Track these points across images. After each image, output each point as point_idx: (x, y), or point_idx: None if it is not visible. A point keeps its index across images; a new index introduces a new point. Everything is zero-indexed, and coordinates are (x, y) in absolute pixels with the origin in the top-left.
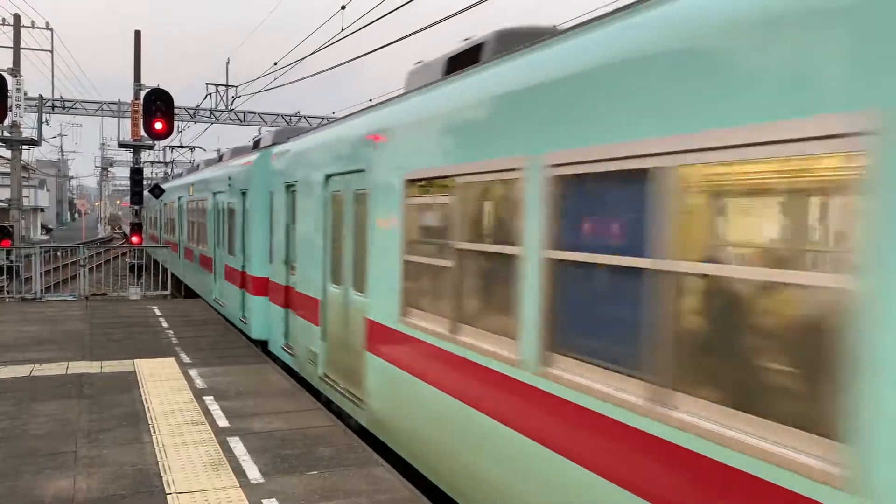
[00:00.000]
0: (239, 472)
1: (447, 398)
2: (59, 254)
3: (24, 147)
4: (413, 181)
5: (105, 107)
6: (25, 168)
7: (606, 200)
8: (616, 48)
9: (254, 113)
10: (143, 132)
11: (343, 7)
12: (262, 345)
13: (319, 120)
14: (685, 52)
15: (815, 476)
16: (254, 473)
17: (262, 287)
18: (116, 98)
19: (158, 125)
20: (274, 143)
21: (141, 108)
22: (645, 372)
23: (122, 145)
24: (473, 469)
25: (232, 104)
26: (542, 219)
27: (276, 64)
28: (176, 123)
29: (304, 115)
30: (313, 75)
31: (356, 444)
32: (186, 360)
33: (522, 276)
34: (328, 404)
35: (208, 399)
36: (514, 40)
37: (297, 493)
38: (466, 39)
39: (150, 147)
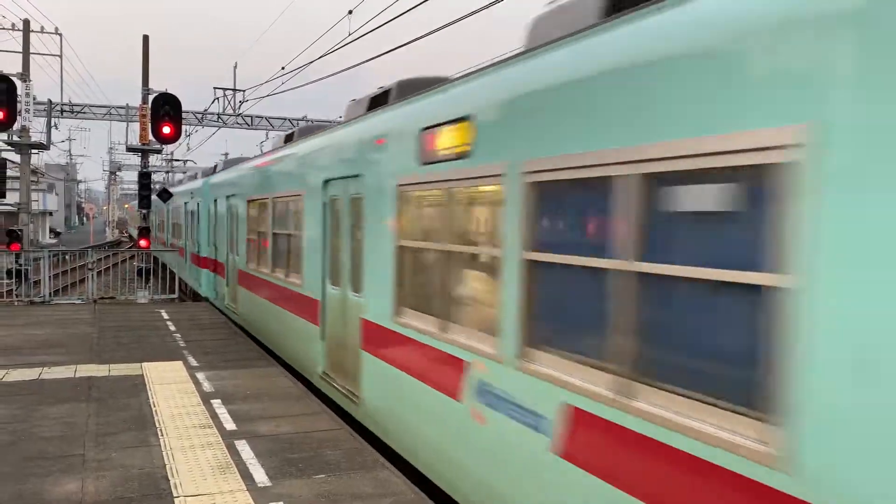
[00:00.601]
0: (246, 476)
1: (254, 295)
2: (67, 257)
3: (33, 151)
4: (249, 201)
5: (113, 111)
6: (34, 172)
7: (287, 213)
8: (270, 166)
9: (261, 117)
10: (151, 136)
11: (350, 11)
12: (207, 300)
13: (327, 123)
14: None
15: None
16: (261, 477)
17: (206, 263)
18: (125, 102)
19: (166, 129)
20: (224, 169)
21: (149, 112)
22: (288, 271)
23: (130, 149)
24: (266, 326)
25: (239, 108)
26: (271, 218)
27: (283, 68)
28: (184, 127)
29: (311, 119)
30: (320, 80)
31: (362, 447)
32: (194, 363)
33: (269, 240)
34: (236, 324)
35: (216, 402)
36: (306, 132)
37: (303, 496)
38: (292, 130)
39: (159, 151)
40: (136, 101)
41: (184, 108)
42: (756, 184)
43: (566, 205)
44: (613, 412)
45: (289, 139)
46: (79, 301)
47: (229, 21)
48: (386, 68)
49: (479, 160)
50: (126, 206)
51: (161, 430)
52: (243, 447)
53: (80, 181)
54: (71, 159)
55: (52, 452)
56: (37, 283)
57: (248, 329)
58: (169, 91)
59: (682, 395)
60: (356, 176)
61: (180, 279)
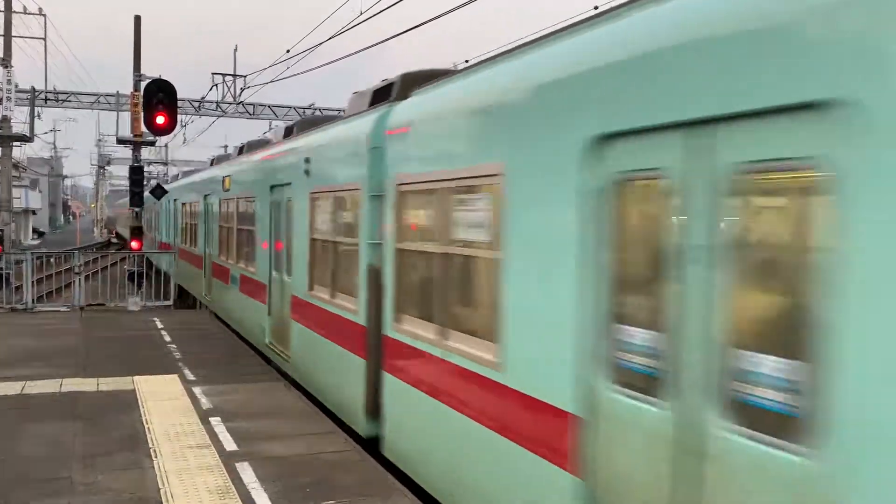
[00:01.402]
0: (248, 502)
1: (185, 263)
2: (52, 260)
3: (15, 144)
4: (182, 204)
5: (102, 99)
6: (16, 166)
7: (192, 211)
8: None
9: (264, 105)
10: (143, 127)
11: None
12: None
13: (335, 112)
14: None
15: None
16: (264, 503)
17: (164, 246)
18: (114, 90)
19: (160, 119)
20: (182, 178)
21: (141, 100)
22: (194, 245)
23: (120, 141)
24: (188, 277)
25: (240, 96)
26: (189, 214)
27: (288, 52)
28: (179, 117)
29: (318, 108)
30: (328, 63)
31: (376, 470)
32: (191, 377)
33: (188, 228)
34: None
35: (215, 420)
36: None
37: None
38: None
39: (152, 143)
40: (127, 88)
41: (179, 96)
42: None
43: (251, 208)
44: (242, 271)
45: (212, 162)
46: (64, 308)
47: (232, 2)
48: (402, 50)
49: (231, 193)
50: (116, 204)
51: (155, 450)
52: (245, 470)
53: (66, 176)
54: (56, 152)
55: (35, 475)
56: (18, 288)
57: (181, 283)
58: (163, 77)
59: (251, 266)
60: (211, 194)
61: (175, 283)
